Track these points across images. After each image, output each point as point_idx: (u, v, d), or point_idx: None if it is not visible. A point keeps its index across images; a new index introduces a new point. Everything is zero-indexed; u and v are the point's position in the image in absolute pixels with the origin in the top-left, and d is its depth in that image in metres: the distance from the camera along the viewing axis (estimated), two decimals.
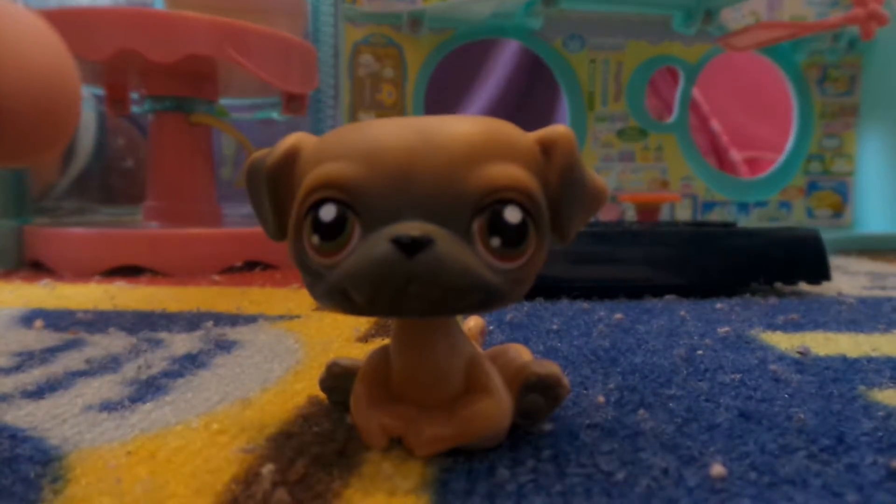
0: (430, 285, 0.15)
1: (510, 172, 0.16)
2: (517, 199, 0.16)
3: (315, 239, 0.16)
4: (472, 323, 0.28)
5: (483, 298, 0.16)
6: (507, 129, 0.17)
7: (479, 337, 0.28)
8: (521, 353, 0.22)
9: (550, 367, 0.20)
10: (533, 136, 0.18)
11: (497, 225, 0.16)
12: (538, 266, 0.17)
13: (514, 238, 0.16)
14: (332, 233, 0.16)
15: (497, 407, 0.18)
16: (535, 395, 0.20)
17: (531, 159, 0.17)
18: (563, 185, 0.17)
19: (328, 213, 0.16)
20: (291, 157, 0.17)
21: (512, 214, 0.16)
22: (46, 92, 0.29)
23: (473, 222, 0.16)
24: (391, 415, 0.19)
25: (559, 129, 0.17)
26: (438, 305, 0.15)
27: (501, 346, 0.23)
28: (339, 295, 0.16)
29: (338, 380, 0.22)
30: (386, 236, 0.15)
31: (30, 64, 0.28)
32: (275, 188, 0.18)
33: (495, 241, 0.16)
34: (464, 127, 0.16)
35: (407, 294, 0.15)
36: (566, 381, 0.20)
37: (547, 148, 0.17)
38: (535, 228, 0.16)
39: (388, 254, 0.15)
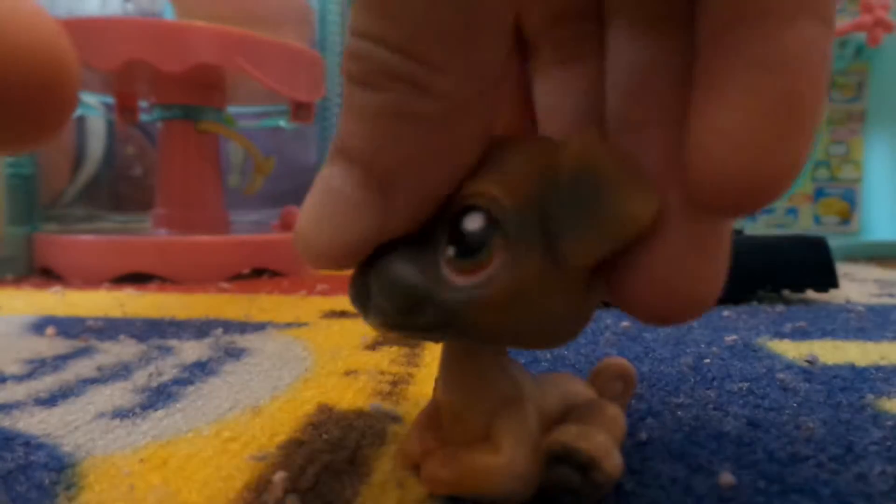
0: (379, 293, 0.14)
1: (479, 183, 0.14)
2: (481, 204, 0.14)
3: None
4: (604, 365, 0.22)
5: (435, 318, 0.14)
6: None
7: (613, 383, 0.22)
8: (598, 414, 0.18)
9: (589, 440, 0.16)
10: (536, 141, 0.15)
11: (454, 234, 0.14)
12: (524, 294, 0.14)
13: (470, 247, 0.14)
14: None
15: (502, 467, 0.16)
16: (567, 469, 0.16)
17: (517, 168, 0.14)
18: (567, 194, 0.14)
19: None
20: None
21: (471, 221, 0.14)
22: (39, 68, 0.28)
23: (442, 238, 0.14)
24: (420, 441, 0.18)
25: (573, 135, 0.14)
26: (392, 320, 0.15)
27: (586, 401, 0.19)
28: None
29: None
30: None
31: (20, 40, 0.27)
32: None
33: (449, 252, 0.14)
34: None
35: (372, 306, 0.15)
36: (611, 463, 0.16)
37: (549, 154, 0.14)
38: (507, 239, 0.14)
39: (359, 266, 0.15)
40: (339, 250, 0.14)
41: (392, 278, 0.14)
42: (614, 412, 0.18)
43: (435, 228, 0.14)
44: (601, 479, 0.16)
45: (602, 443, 0.16)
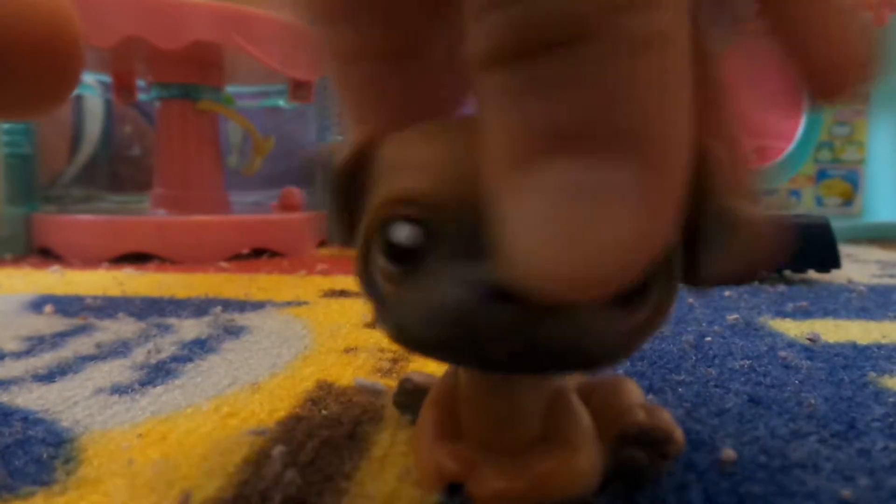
0: (544, 343, 0.11)
1: None
2: None
3: (382, 261, 0.13)
4: None
5: (600, 360, 0.12)
6: None
7: None
8: (626, 392, 0.17)
9: (658, 417, 0.16)
10: None
11: None
12: (667, 316, 0.13)
13: (641, 287, 0.12)
14: (403, 258, 0.13)
15: (581, 465, 0.15)
16: (636, 450, 0.16)
17: None
18: (703, 215, 0.13)
19: (401, 233, 0.13)
20: (366, 155, 0.14)
21: None
22: (46, 35, 0.28)
23: None
24: (454, 455, 0.15)
25: (706, 150, 0.12)
26: (533, 365, 0.12)
27: (603, 379, 0.18)
28: (397, 334, 0.13)
29: (411, 397, 0.20)
30: (475, 278, 0.11)
31: (26, 6, 0.27)
32: (342, 192, 0.15)
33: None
34: None
35: (494, 350, 0.11)
36: (679, 434, 0.16)
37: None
38: (670, 274, 0.13)
39: (470, 301, 0.11)
40: (614, 262, 0.09)
41: (565, 324, 0.11)
42: (631, 384, 0.18)
43: None
44: (674, 452, 0.16)
45: (667, 417, 0.16)
